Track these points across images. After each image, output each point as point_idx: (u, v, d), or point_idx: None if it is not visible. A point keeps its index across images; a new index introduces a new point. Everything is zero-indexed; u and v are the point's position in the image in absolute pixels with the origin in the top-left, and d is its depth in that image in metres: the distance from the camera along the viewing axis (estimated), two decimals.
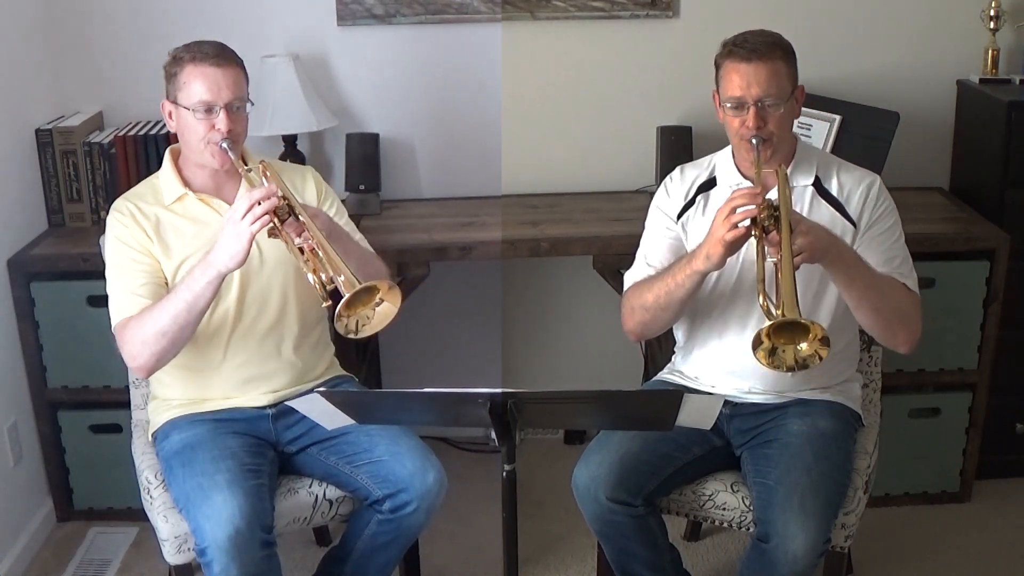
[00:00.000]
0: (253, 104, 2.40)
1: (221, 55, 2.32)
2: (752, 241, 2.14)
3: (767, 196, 2.16)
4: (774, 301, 2.06)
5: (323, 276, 2.10)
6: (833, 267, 2.19)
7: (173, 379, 2.43)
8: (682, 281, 2.26)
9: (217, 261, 2.18)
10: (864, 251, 2.30)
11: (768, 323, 1.98)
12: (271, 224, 2.15)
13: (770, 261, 2.11)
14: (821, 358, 1.99)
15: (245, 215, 2.14)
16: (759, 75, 2.24)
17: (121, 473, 2.86)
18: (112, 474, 3.03)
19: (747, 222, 2.12)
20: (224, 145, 2.30)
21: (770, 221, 2.10)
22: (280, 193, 2.17)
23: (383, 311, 2.08)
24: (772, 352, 1.99)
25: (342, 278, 2.05)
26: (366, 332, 2.08)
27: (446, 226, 3.10)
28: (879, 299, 2.24)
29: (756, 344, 1.99)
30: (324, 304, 2.09)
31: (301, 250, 2.15)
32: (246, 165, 2.35)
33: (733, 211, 2.13)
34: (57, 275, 2.93)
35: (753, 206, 2.11)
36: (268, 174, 2.30)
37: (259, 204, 2.14)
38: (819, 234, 2.13)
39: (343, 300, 2.01)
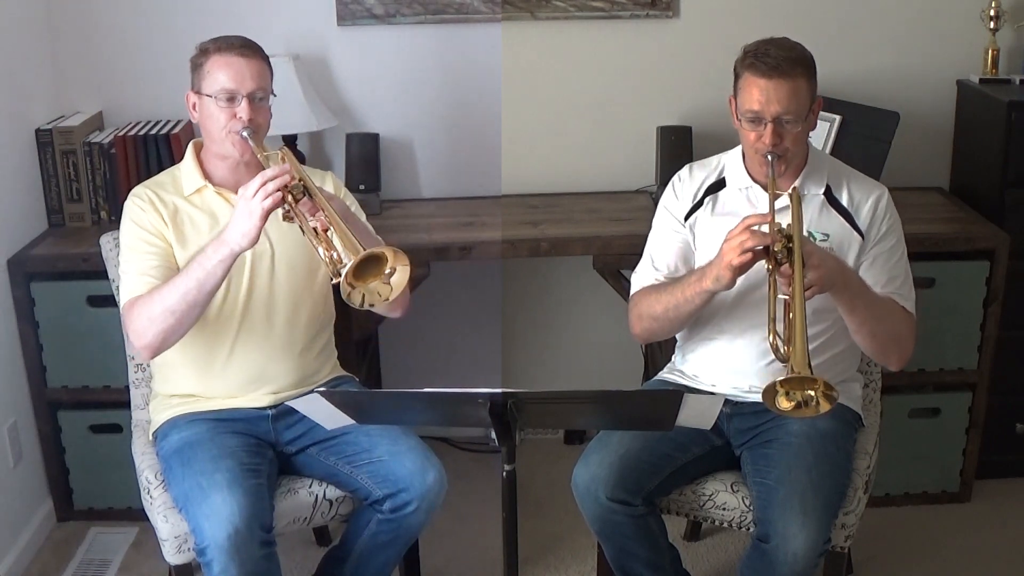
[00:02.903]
0: (276, 96, 2.41)
1: (246, 46, 2.36)
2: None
3: (778, 219, 2.16)
4: (782, 336, 2.06)
5: (334, 255, 2.09)
6: (839, 296, 2.20)
7: (181, 370, 2.44)
8: (691, 297, 2.27)
9: (230, 239, 2.18)
10: (868, 267, 2.32)
11: (781, 377, 1.97)
12: (285, 205, 2.14)
13: (781, 297, 2.11)
14: (820, 410, 1.98)
15: (257, 192, 2.14)
16: (779, 92, 2.21)
17: (121, 473, 2.86)
18: (112, 474, 3.03)
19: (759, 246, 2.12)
20: (245, 134, 2.32)
21: (783, 253, 2.09)
22: (294, 172, 2.16)
23: (398, 279, 2.05)
24: (786, 394, 1.99)
25: (349, 251, 2.03)
26: (385, 303, 2.06)
27: (446, 226, 3.10)
28: (878, 325, 2.27)
29: (770, 395, 1.97)
30: (334, 280, 2.07)
31: (315, 231, 2.14)
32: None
33: (744, 239, 2.12)
34: (57, 275, 2.93)
35: (765, 236, 2.10)
36: (285, 160, 2.30)
37: (270, 182, 2.14)
38: (830, 266, 2.14)
39: (348, 267, 1.99)
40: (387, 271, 2.04)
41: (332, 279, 2.06)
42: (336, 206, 2.20)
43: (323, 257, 2.09)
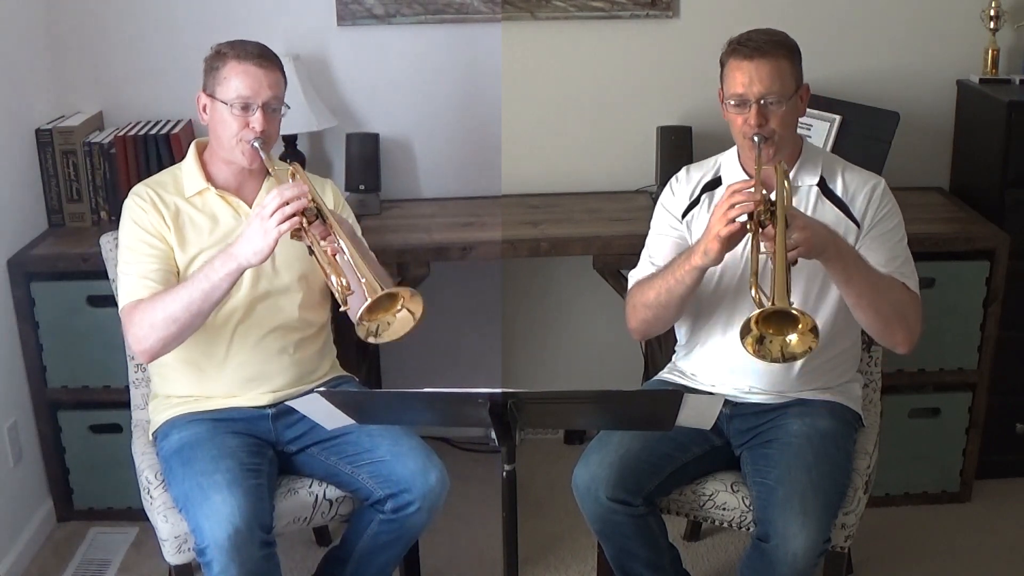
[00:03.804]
0: (289, 108, 2.41)
1: (264, 55, 2.35)
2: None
3: (769, 195, 2.16)
4: (767, 294, 2.05)
5: (344, 281, 2.09)
6: (831, 264, 2.19)
7: (176, 374, 2.44)
8: (682, 277, 2.27)
9: (240, 255, 2.18)
10: (866, 251, 2.31)
11: (757, 311, 1.97)
12: (298, 225, 2.15)
13: (764, 255, 2.11)
14: (810, 348, 1.97)
15: (274, 213, 2.13)
16: (761, 72, 2.24)
17: (121, 473, 2.86)
18: (112, 474, 3.03)
19: (743, 217, 2.12)
20: (256, 144, 2.31)
21: (767, 216, 2.09)
22: (310, 195, 2.17)
23: (404, 318, 2.06)
24: (760, 340, 1.98)
25: (364, 281, 2.04)
26: (386, 338, 2.06)
27: (446, 226, 3.10)
28: (878, 298, 2.24)
29: (744, 332, 1.98)
30: (343, 308, 2.08)
31: (325, 254, 2.14)
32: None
33: (731, 207, 2.13)
34: (57, 275, 2.93)
35: (749, 202, 2.11)
36: (297, 177, 2.30)
37: (288, 204, 2.13)
38: (816, 230, 2.13)
39: (365, 305, 2.00)
40: (397, 308, 2.05)
41: (341, 306, 2.08)
42: (345, 230, 2.20)
43: (334, 286, 2.10)
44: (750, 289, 2.08)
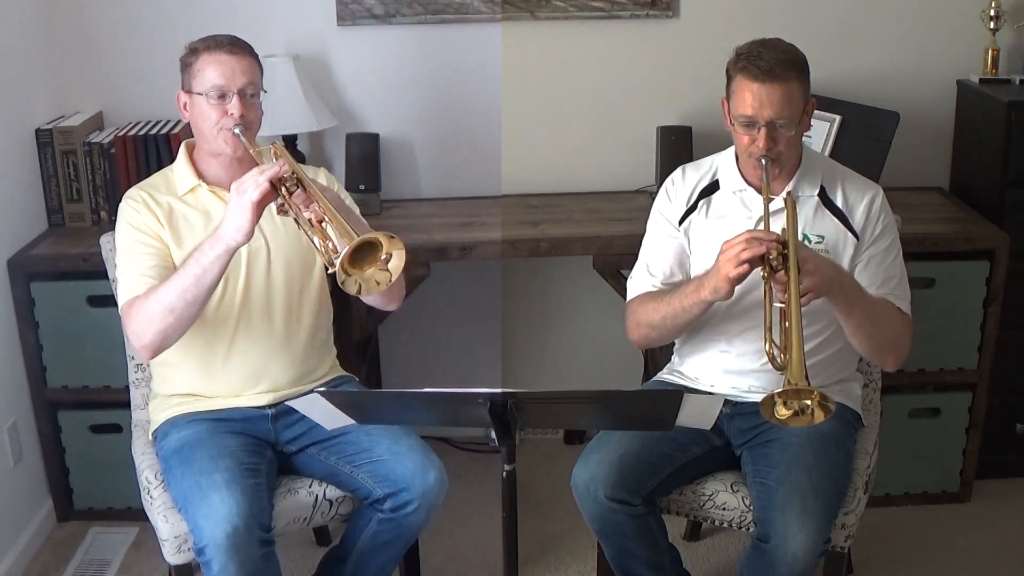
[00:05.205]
0: (266, 92, 2.41)
1: (235, 43, 2.37)
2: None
3: (773, 221, 2.16)
4: (779, 345, 2.06)
5: (330, 244, 2.09)
6: (835, 300, 2.20)
7: (179, 372, 2.44)
8: (689, 307, 2.28)
9: (224, 234, 2.18)
10: (863, 269, 2.33)
11: (780, 389, 1.97)
12: (279, 198, 2.14)
13: (777, 306, 2.11)
14: (815, 420, 1.98)
15: (249, 186, 2.14)
16: (772, 97, 2.19)
17: (121, 473, 2.86)
18: (112, 474, 3.03)
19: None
20: (236, 131, 2.32)
21: (778, 260, 2.09)
22: (286, 165, 2.16)
23: (395, 264, 2.04)
24: (785, 404, 1.99)
25: (344, 239, 2.03)
26: (383, 288, 2.04)
27: (446, 226, 3.10)
28: (874, 328, 2.27)
29: (770, 407, 1.97)
30: (331, 270, 2.06)
31: (310, 222, 2.14)
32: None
33: (743, 250, 2.12)
34: (57, 275, 2.93)
35: (761, 247, 2.10)
36: (277, 154, 2.29)
37: (261, 175, 2.14)
38: (825, 271, 2.14)
39: (343, 254, 1.98)
40: (383, 257, 2.03)
41: (328, 269, 2.06)
42: (330, 197, 2.20)
43: (318, 247, 2.10)
44: (764, 344, 2.10)
